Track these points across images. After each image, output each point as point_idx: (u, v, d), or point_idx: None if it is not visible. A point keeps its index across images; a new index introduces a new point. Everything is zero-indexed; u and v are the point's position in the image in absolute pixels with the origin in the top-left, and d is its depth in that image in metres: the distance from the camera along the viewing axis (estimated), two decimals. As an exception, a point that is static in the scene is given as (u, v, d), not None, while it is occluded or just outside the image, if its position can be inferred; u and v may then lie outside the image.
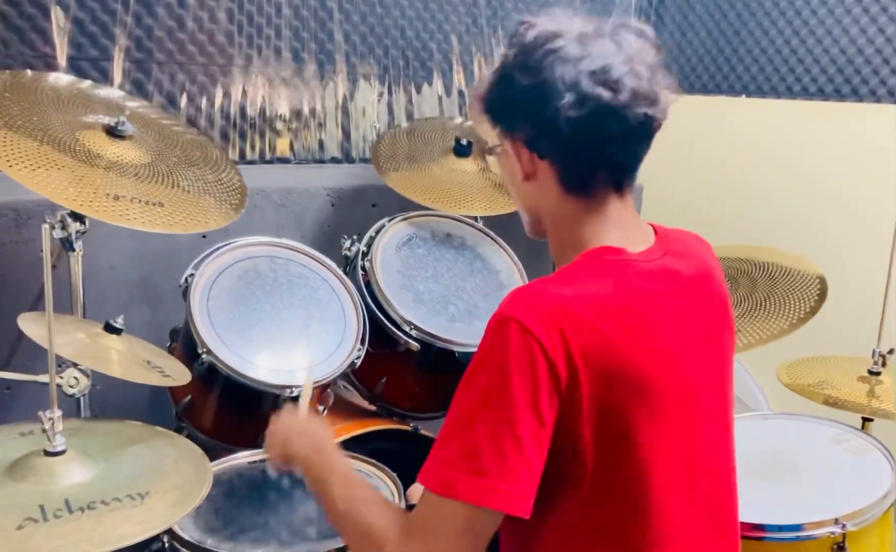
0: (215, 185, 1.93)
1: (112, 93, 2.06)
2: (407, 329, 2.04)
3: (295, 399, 1.83)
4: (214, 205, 1.87)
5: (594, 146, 1.08)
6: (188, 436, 1.66)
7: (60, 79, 1.98)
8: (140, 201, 1.72)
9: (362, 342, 1.97)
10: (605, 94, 1.04)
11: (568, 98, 1.04)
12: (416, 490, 1.66)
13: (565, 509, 1.08)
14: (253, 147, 2.49)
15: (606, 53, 1.06)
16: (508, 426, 1.00)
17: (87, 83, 2.01)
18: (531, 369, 1.00)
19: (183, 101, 2.35)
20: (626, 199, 1.15)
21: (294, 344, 1.91)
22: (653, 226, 1.21)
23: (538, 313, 1.01)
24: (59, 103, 1.86)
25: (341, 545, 1.48)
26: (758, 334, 2.02)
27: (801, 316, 2.03)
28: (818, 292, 2.07)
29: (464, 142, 2.42)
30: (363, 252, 2.14)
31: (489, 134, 1.19)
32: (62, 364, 1.68)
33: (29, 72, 1.94)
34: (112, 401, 1.94)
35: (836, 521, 1.52)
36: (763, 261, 2.20)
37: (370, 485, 1.25)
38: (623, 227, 1.14)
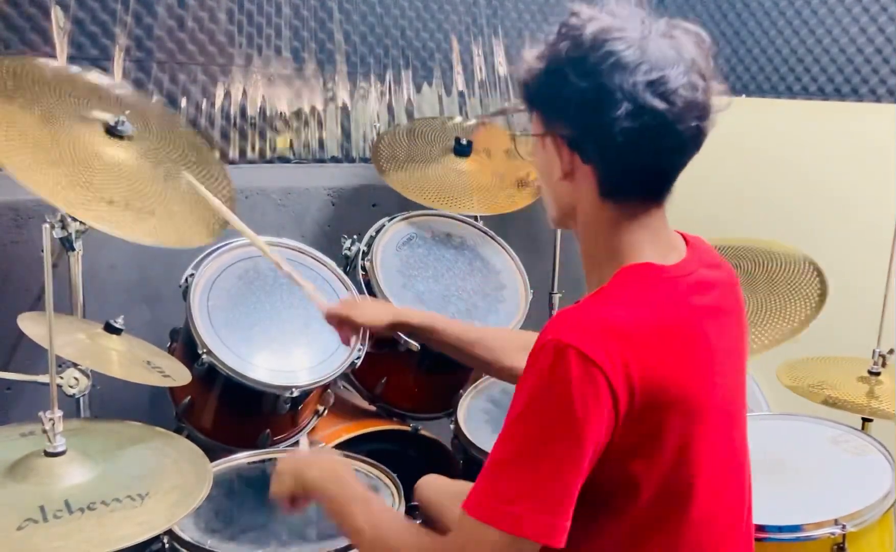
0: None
1: (117, 87, 2.03)
2: (407, 329, 2.04)
3: (295, 399, 1.84)
4: (203, 219, 1.85)
5: (644, 157, 1.05)
6: (188, 437, 1.66)
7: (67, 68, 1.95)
8: (132, 209, 1.70)
9: (362, 342, 1.97)
10: (661, 105, 1.01)
11: (625, 108, 1.00)
12: (431, 487, 1.65)
13: (608, 535, 1.07)
14: (253, 147, 2.49)
15: (665, 61, 1.02)
16: (573, 464, 0.98)
17: (94, 74, 1.99)
18: (595, 401, 0.97)
19: (183, 101, 2.35)
20: (661, 211, 1.13)
21: (294, 344, 1.91)
22: (680, 233, 1.19)
23: (599, 340, 0.98)
24: (62, 95, 1.84)
25: (341, 545, 1.48)
26: (760, 341, 2.03)
27: (805, 315, 2.03)
28: (818, 287, 2.07)
29: (464, 141, 2.42)
30: (363, 251, 2.14)
31: (526, 121, 1.16)
32: (62, 364, 1.68)
33: (44, 62, 1.89)
34: (112, 402, 1.94)
35: (836, 522, 1.52)
36: (759, 254, 2.18)
37: (391, 508, 1.23)
38: (657, 238, 1.11)
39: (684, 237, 1.18)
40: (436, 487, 1.67)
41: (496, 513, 0.99)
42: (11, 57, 1.89)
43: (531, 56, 1.10)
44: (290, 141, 2.56)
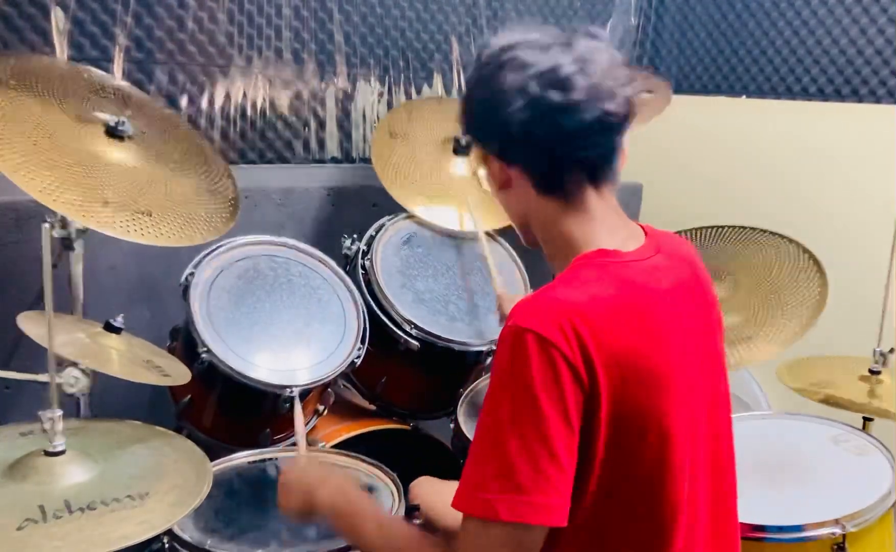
0: (208, 195, 1.90)
1: (120, 84, 2.02)
2: (407, 328, 2.04)
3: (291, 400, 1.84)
4: (204, 217, 1.84)
5: (553, 145, 1.10)
6: (188, 436, 1.66)
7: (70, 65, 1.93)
8: (128, 210, 1.68)
9: (362, 341, 1.97)
10: (555, 94, 1.07)
11: (518, 102, 1.07)
12: (424, 490, 1.65)
13: (576, 504, 1.08)
14: (253, 147, 2.49)
15: (557, 57, 1.08)
16: (541, 439, 1.00)
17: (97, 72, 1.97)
18: (555, 379, 1.00)
19: (183, 101, 2.35)
20: (605, 195, 1.16)
21: (294, 343, 1.91)
22: (641, 226, 1.22)
23: (553, 321, 1.02)
24: (65, 92, 1.83)
25: (341, 545, 1.48)
26: (768, 346, 2.03)
27: (809, 312, 2.03)
28: (818, 281, 2.07)
29: (463, 142, 2.42)
30: (363, 251, 2.14)
31: (474, 153, 1.23)
32: (62, 363, 1.68)
33: (44, 58, 1.89)
34: (112, 401, 1.93)
35: (837, 522, 1.52)
36: (756, 249, 2.18)
37: (402, 521, 1.27)
38: (609, 226, 1.15)
39: (644, 228, 1.21)
40: (428, 489, 1.66)
41: (473, 502, 1.02)
42: (15, 54, 1.88)
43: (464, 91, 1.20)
44: (290, 141, 2.56)
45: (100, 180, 1.70)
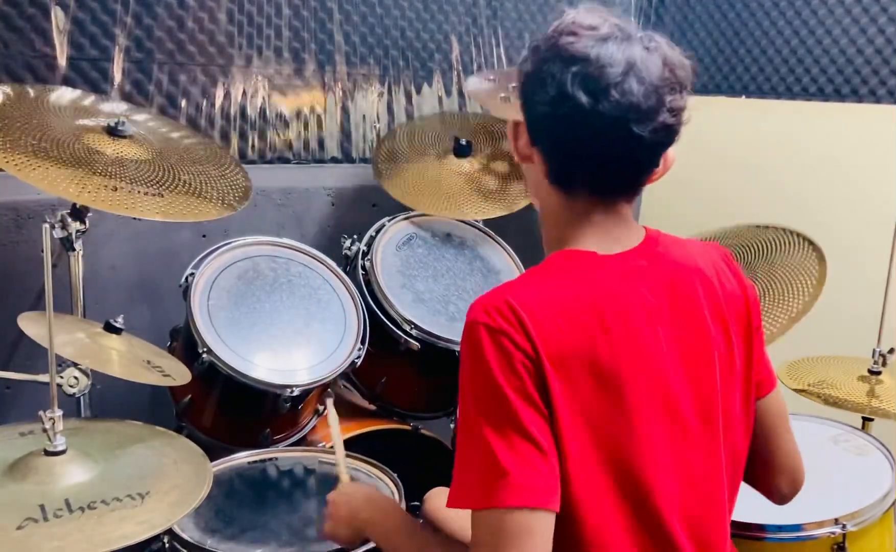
0: (218, 180, 1.93)
1: (117, 107, 2.05)
2: (407, 328, 2.04)
3: (295, 399, 1.84)
4: (215, 197, 1.87)
5: (568, 145, 1.10)
6: (188, 436, 1.66)
7: (63, 95, 1.96)
8: (140, 192, 1.73)
9: (362, 342, 1.97)
10: (585, 99, 1.04)
11: (551, 93, 1.06)
12: (438, 502, 1.65)
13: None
14: (253, 147, 2.49)
15: (607, 61, 1.05)
16: (511, 421, 1.01)
17: (90, 99, 2.00)
18: (510, 365, 1.02)
19: (183, 101, 2.35)
20: (616, 210, 1.13)
21: (294, 344, 1.91)
22: (649, 231, 1.18)
23: (499, 311, 1.04)
24: (60, 111, 1.87)
25: (341, 546, 1.48)
26: (769, 329, 2.02)
27: (808, 295, 2.02)
28: (817, 267, 2.06)
29: (463, 142, 2.42)
30: (363, 251, 2.14)
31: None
32: (62, 364, 1.68)
33: (31, 91, 1.92)
34: (112, 401, 1.94)
35: (836, 521, 1.52)
36: (757, 242, 2.18)
37: (432, 529, 1.30)
38: (603, 232, 1.13)
39: (650, 233, 1.18)
40: (442, 501, 1.65)
41: (463, 498, 1.04)
42: (11, 87, 1.92)
43: None
44: (290, 141, 2.56)
45: (107, 171, 1.73)
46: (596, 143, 1.08)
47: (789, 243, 2.14)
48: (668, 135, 1.10)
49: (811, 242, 2.09)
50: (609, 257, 1.12)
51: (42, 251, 1.35)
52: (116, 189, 1.69)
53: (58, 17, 2.13)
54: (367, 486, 1.44)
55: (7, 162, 1.60)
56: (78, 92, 2.01)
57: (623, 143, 1.07)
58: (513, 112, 1.19)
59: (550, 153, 1.13)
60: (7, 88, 1.86)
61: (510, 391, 1.02)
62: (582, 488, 1.05)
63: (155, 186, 1.78)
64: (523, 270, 2.29)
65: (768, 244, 2.17)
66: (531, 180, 1.20)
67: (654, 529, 1.10)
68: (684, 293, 1.15)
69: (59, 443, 1.33)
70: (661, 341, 1.10)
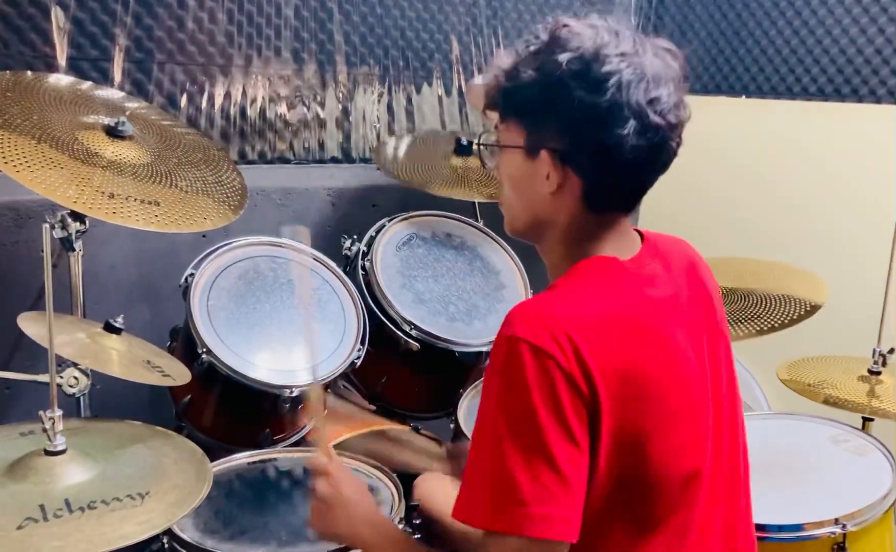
0: (215, 186, 1.93)
1: (113, 94, 2.05)
2: (407, 329, 2.04)
3: (294, 399, 1.84)
4: (212, 205, 1.86)
5: (641, 172, 1.08)
6: (188, 436, 1.65)
7: (61, 80, 1.97)
8: (136, 200, 1.71)
9: (362, 342, 1.97)
10: (661, 122, 1.03)
11: (632, 125, 1.02)
12: (426, 486, 1.65)
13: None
14: (253, 147, 2.49)
15: (657, 79, 1.04)
16: (540, 451, 0.98)
17: (87, 84, 2.00)
18: (552, 390, 0.98)
19: (183, 101, 2.35)
20: (628, 215, 1.15)
21: (294, 344, 1.91)
22: (638, 230, 1.20)
23: (547, 331, 0.99)
24: (60, 104, 1.86)
25: (341, 546, 1.48)
26: (756, 326, 2.03)
27: (800, 314, 2.03)
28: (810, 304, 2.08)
29: (464, 141, 2.42)
30: (363, 252, 2.14)
31: (493, 126, 1.15)
32: (62, 364, 1.68)
33: (29, 73, 1.93)
34: (112, 401, 1.94)
35: (836, 521, 1.52)
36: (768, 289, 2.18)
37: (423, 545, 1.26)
38: (616, 235, 1.13)
39: (642, 234, 1.19)
40: (430, 485, 1.66)
41: (473, 513, 1.01)
42: (10, 72, 1.91)
43: (508, 63, 1.09)
44: (290, 141, 2.56)
45: (104, 176, 1.72)
46: (661, 165, 1.08)
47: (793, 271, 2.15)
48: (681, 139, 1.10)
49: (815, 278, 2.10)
50: (629, 263, 1.11)
51: (42, 251, 1.35)
52: (113, 196, 1.68)
53: (58, 17, 2.13)
54: (358, 491, 1.31)
55: (6, 164, 1.59)
56: (74, 79, 2.00)
57: (664, 161, 1.09)
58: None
59: (604, 181, 1.08)
60: (7, 77, 1.85)
61: (547, 418, 0.97)
62: (620, 511, 1.05)
63: (151, 191, 1.76)
64: (523, 270, 2.29)
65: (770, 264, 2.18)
66: (543, 205, 1.12)
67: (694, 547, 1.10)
68: (696, 292, 1.17)
69: (59, 442, 1.33)
70: (685, 346, 1.10)
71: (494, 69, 1.11)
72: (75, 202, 1.63)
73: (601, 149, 1.04)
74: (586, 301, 1.04)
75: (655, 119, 1.03)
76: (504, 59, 1.10)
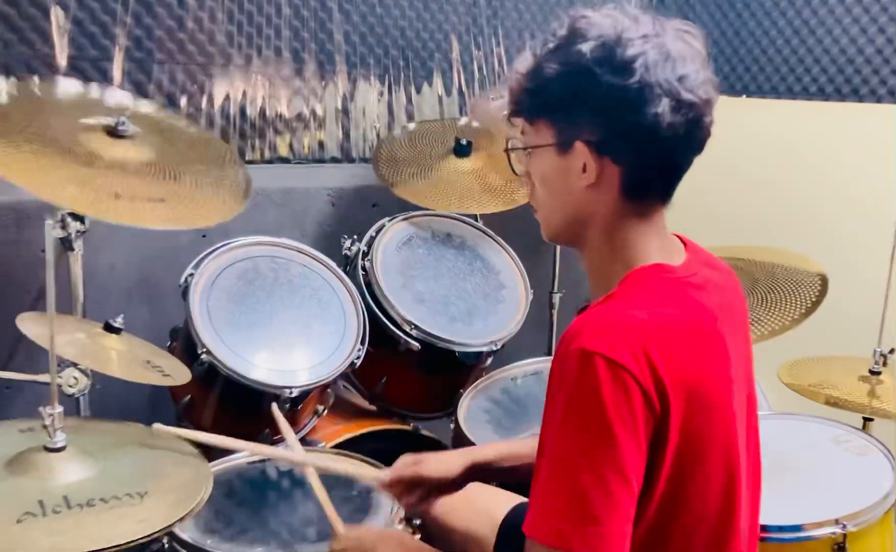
0: (219, 181, 1.92)
1: (117, 94, 2.04)
2: (407, 329, 2.04)
3: (294, 399, 1.83)
4: (217, 200, 1.86)
5: (677, 152, 1.06)
6: (188, 436, 1.66)
7: (68, 90, 1.95)
8: (140, 199, 1.71)
9: (362, 342, 1.97)
10: (694, 99, 1.02)
11: (666, 103, 1.00)
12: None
13: (635, 526, 1.04)
14: (253, 147, 2.49)
15: (683, 57, 1.03)
16: (615, 468, 0.97)
17: (94, 93, 1.99)
18: (628, 404, 0.96)
19: (183, 101, 2.35)
20: (664, 210, 1.13)
21: (294, 344, 1.91)
22: (677, 236, 1.18)
23: (623, 343, 0.97)
24: (61, 107, 1.86)
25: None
26: (758, 330, 2.03)
27: (803, 311, 2.03)
28: (819, 289, 2.07)
29: (464, 142, 2.42)
30: (363, 252, 2.14)
31: (519, 133, 1.13)
32: (62, 363, 1.68)
33: (36, 80, 1.91)
34: (112, 401, 1.94)
35: (837, 522, 1.52)
36: (765, 261, 2.19)
37: None
38: (662, 239, 1.11)
39: (682, 239, 1.18)
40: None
41: (544, 530, 0.99)
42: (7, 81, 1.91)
43: (528, 64, 1.07)
44: (290, 141, 2.56)
45: (107, 177, 1.71)
46: (696, 143, 1.06)
47: (795, 262, 2.14)
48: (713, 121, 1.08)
49: (822, 277, 2.10)
50: (679, 269, 1.10)
51: (42, 251, 1.35)
52: (118, 196, 1.68)
53: (58, 17, 2.13)
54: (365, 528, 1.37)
55: (9, 170, 1.59)
56: (80, 86, 1.99)
57: (699, 139, 1.06)
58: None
59: (643, 165, 1.05)
60: (9, 86, 1.84)
61: (622, 433, 0.96)
62: (670, 521, 1.05)
63: (156, 188, 1.76)
64: (523, 270, 2.29)
65: (773, 260, 2.17)
66: (584, 202, 1.09)
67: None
68: (733, 302, 1.17)
69: (59, 439, 1.33)
70: (736, 351, 1.10)
71: (514, 75, 1.09)
72: (82, 205, 1.63)
73: (638, 131, 1.02)
74: (652, 311, 1.02)
75: (687, 96, 1.01)
76: (522, 62, 1.08)
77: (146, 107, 2.06)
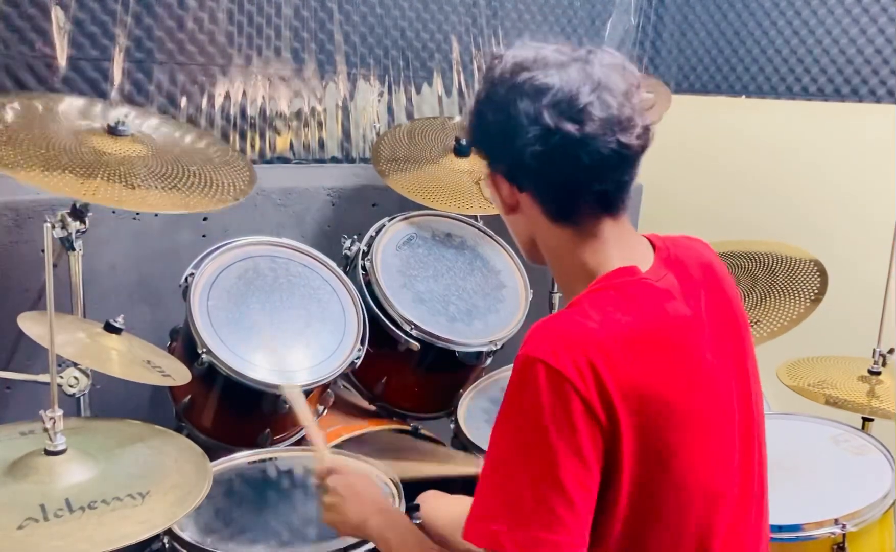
0: (224, 166, 1.95)
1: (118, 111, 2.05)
2: (407, 328, 2.04)
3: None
4: (226, 182, 1.89)
5: (567, 177, 1.07)
6: (188, 436, 1.66)
7: (72, 106, 1.96)
8: (155, 187, 1.75)
9: (362, 342, 1.97)
10: (570, 126, 1.03)
11: (532, 133, 1.04)
12: (429, 506, 1.64)
13: (602, 542, 1.04)
14: (253, 147, 2.49)
15: (572, 83, 1.04)
16: (550, 475, 0.97)
17: (97, 107, 2.00)
18: (566, 414, 0.96)
19: (183, 101, 2.35)
20: (621, 220, 1.12)
21: (294, 344, 1.91)
22: (648, 237, 1.18)
23: (565, 351, 0.98)
24: (66, 115, 1.88)
25: (341, 545, 1.48)
26: (761, 331, 2.03)
27: (807, 306, 2.03)
28: (818, 280, 2.07)
29: (463, 142, 2.42)
30: (363, 251, 2.14)
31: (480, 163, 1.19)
32: (62, 363, 1.68)
33: (39, 105, 1.92)
34: (112, 401, 1.94)
35: (836, 522, 1.53)
36: (760, 253, 2.19)
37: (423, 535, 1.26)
38: (622, 248, 1.11)
39: (651, 241, 1.17)
40: (434, 506, 1.62)
41: (480, 532, 1.00)
42: (7, 96, 1.92)
43: (471, 103, 1.16)
44: (290, 141, 2.56)
45: (118, 171, 1.74)
46: (590, 166, 1.05)
47: (794, 258, 2.15)
48: (649, 136, 1.09)
49: (818, 264, 2.09)
50: (649, 275, 1.09)
51: (42, 251, 1.35)
52: (134, 187, 1.71)
53: (58, 17, 2.13)
54: (364, 478, 1.37)
55: (26, 175, 1.60)
56: (83, 101, 2.01)
57: (615, 156, 1.06)
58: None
59: (546, 191, 1.10)
60: (16, 104, 1.86)
61: (558, 441, 0.96)
62: (644, 533, 1.04)
63: (167, 180, 1.80)
64: (523, 270, 2.30)
65: (771, 253, 2.17)
66: (523, 227, 1.16)
67: None
68: (716, 299, 1.15)
69: (60, 442, 1.33)
70: (708, 360, 1.09)
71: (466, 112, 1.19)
72: (101, 197, 1.65)
73: (517, 160, 1.07)
74: (608, 321, 1.02)
75: (560, 122, 1.03)
76: (470, 101, 1.17)
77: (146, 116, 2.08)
